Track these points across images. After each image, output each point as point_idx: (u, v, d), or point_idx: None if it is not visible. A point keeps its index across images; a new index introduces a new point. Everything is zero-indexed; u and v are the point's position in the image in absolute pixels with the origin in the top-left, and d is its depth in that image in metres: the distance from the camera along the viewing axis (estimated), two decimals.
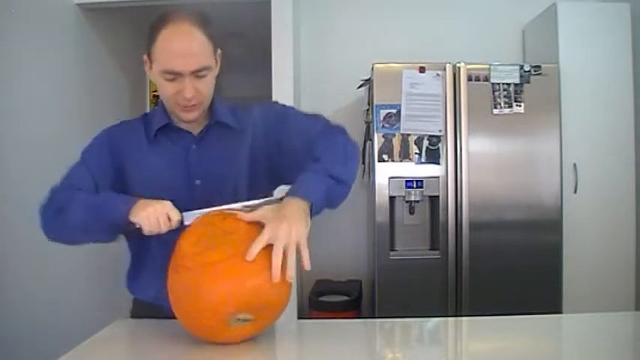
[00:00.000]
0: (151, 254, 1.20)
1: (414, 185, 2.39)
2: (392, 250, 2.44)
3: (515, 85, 2.42)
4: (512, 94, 2.42)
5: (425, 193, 2.41)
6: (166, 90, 1.12)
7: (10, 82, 2.13)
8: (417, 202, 2.41)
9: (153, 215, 1.02)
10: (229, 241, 0.94)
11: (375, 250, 2.44)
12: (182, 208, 1.09)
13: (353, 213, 2.96)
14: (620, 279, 2.51)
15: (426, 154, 2.41)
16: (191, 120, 1.17)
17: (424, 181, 2.40)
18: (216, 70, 1.16)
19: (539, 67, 2.43)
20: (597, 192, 2.53)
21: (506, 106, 2.42)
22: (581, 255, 2.48)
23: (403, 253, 2.44)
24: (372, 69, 2.46)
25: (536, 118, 2.43)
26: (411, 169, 2.41)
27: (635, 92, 2.57)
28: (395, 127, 2.40)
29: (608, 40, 2.56)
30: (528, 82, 2.42)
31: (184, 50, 1.08)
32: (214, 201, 1.09)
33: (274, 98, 2.60)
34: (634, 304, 2.50)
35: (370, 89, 2.55)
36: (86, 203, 1.09)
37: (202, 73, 1.11)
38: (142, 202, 1.05)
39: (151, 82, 3.77)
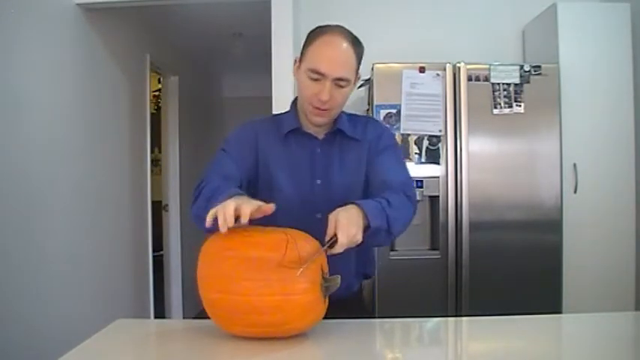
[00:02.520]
0: None
1: (414, 185, 2.39)
2: (392, 250, 2.44)
3: (515, 85, 2.42)
4: (512, 94, 2.42)
5: (425, 193, 2.41)
6: (307, 89, 1.24)
7: (9, 82, 2.13)
8: (417, 202, 2.40)
9: (221, 207, 0.98)
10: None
11: (375, 250, 2.43)
12: (305, 201, 1.25)
13: None
14: (620, 279, 2.51)
15: (426, 154, 2.41)
16: (320, 124, 1.30)
17: (424, 181, 2.40)
18: (353, 87, 1.29)
19: (539, 67, 2.43)
20: (597, 192, 2.52)
21: (506, 106, 2.42)
22: (581, 255, 2.48)
23: (403, 253, 2.44)
24: (372, 69, 2.46)
25: (536, 118, 2.43)
26: (411, 169, 2.39)
27: (635, 92, 2.57)
28: (395, 127, 2.41)
29: (608, 40, 2.56)
30: (528, 82, 2.42)
31: (334, 57, 1.22)
32: (331, 200, 1.16)
33: (274, 98, 2.60)
34: (634, 304, 2.50)
35: (370, 89, 2.55)
36: (209, 191, 1.14)
37: (342, 83, 1.23)
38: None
39: (151, 82, 3.77)
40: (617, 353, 1.03)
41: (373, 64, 2.45)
